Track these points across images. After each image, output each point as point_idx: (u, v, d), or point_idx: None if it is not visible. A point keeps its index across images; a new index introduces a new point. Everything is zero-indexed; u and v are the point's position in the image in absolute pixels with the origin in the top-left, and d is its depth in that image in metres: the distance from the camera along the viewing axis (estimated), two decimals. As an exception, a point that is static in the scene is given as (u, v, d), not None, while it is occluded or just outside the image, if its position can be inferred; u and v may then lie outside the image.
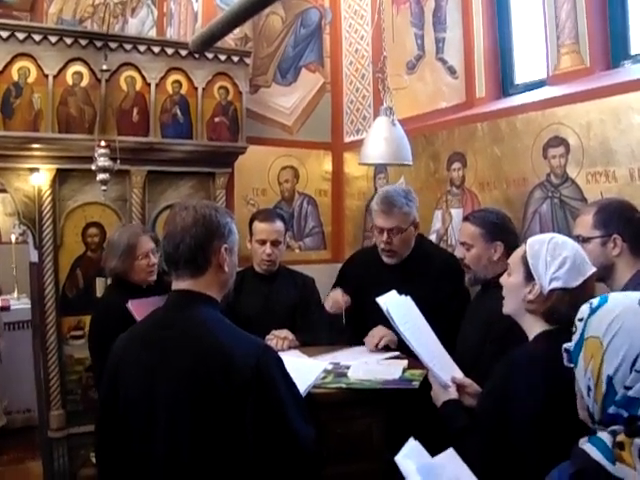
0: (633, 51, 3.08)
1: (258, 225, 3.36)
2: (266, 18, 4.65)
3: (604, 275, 2.23)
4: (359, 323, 3.09)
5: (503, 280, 2.00)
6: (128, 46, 3.85)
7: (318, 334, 3.25)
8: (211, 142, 4.19)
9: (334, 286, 3.45)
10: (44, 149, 3.73)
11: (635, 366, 1.14)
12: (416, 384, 2.42)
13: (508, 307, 1.97)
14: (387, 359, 2.81)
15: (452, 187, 3.77)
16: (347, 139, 4.90)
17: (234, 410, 1.67)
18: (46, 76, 3.65)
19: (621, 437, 1.12)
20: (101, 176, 3.45)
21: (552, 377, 1.65)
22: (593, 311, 1.26)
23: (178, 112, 4.08)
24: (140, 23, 5.66)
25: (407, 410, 2.44)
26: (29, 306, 4.75)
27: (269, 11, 4.56)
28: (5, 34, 3.51)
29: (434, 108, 4.03)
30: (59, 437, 3.84)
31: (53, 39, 3.62)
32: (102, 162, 3.44)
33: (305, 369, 2.56)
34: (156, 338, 1.80)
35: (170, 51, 3.98)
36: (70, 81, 3.73)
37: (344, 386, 2.48)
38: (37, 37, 3.58)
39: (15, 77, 3.59)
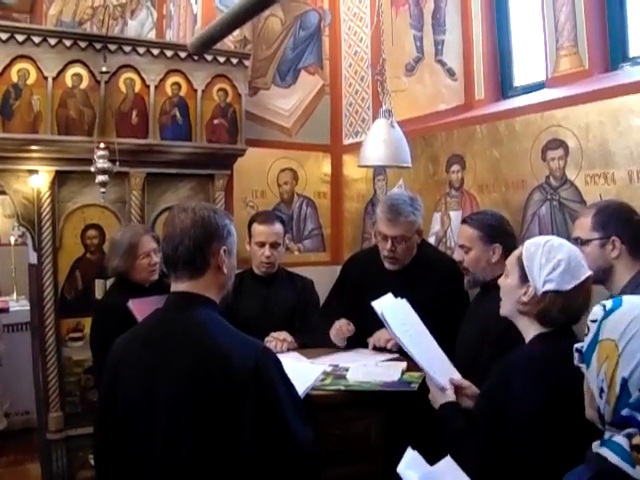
0: (632, 53, 3.09)
1: (257, 227, 3.36)
2: (265, 20, 4.66)
3: (603, 277, 2.24)
4: (358, 325, 3.09)
5: (500, 282, 2.00)
6: (127, 48, 3.85)
7: (317, 336, 3.24)
8: (210, 144, 4.19)
9: (334, 287, 3.46)
10: (43, 151, 3.73)
11: None
12: (415, 386, 2.42)
13: (505, 309, 1.98)
14: (386, 361, 2.81)
15: (451, 189, 3.77)
16: (346, 141, 4.90)
17: (233, 411, 1.68)
18: (45, 78, 3.65)
19: (637, 440, 1.13)
20: (100, 178, 3.45)
21: (549, 379, 1.65)
22: (608, 313, 1.26)
23: (177, 114, 4.08)
24: (139, 25, 5.66)
25: (406, 412, 2.43)
26: (28, 308, 4.75)
27: (268, 13, 4.57)
28: (4, 36, 3.51)
29: (433, 110, 4.03)
30: (58, 439, 3.83)
31: (52, 41, 3.62)
32: (101, 164, 3.44)
33: (304, 372, 2.57)
34: (156, 339, 1.80)
35: (169, 53, 3.98)
36: (69, 83, 3.74)
37: (343, 388, 2.48)
38: (36, 39, 3.58)
39: (14, 79, 3.60)
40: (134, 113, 3.94)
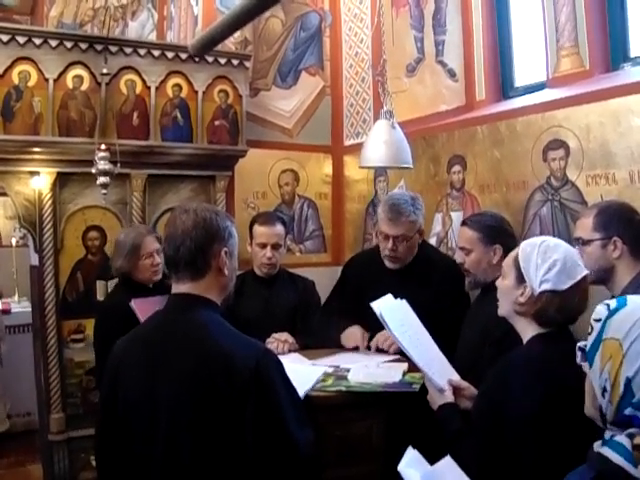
0: (633, 54, 3.08)
1: (258, 228, 3.36)
2: (266, 21, 4.66)
3: (604, 277, 2.24)
4: (359, 323, 3.10)
5: (498, 283, 2.01)
6: (128, 50, 3.86)
7: (318, 337, 3.24)
8: (211, 145, 4.19)
9: (335, 288, 3.46)
10: (44, 152, 3.73)
11: None
12: (416, 387, 2.42)
13: (502, 309, 1.98)
14: (387, 362, 2.81)
15: (452, 190, 3.77)
16: (347, 142, 4.90)
17: (234, 412, 1.68)
18: (46, 80, 3.66)
19: (639, 439, 1.13)
20: (101, 179, 3.45)
21: (547, 379, 1.66)
22: (612, 313, 1.26)
23: (178, 115, 4.08)
24: (140, 27, 5.67)
25: (407, 413, 2.43)
26: (30, 309, 4.75)
27: (269, 14, 4.57)
28: (6, 38, 3.52)
29: (434, 111, 4.03)
30: (59, 440, 3.84)
31: (53, 43, 3.63)
32: (102, 165, 3.44)
33: (304, 373, 2.57)
34: (157, 340, 1.81)
35: (170, 54, 3.98)
36: (70, 85, 3.74)
37: (344, 389, 2.48)
38: (37, 41, 3.59)
39: (16, 81, 3.60)
40: (135, 114, 3.95)
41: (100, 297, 3.93)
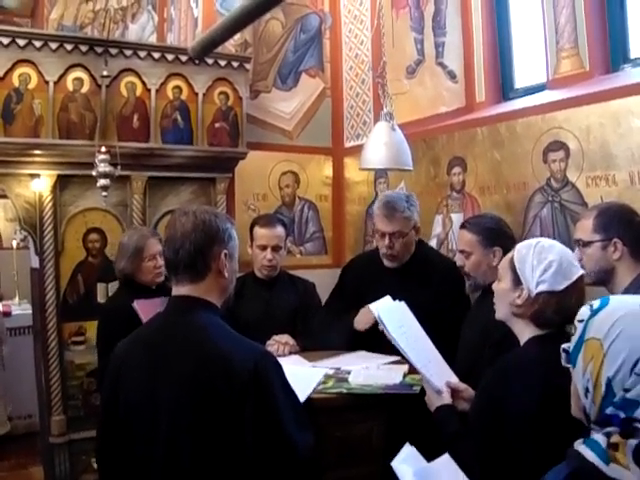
0: (632, 55, 3.09)
1: (259, 230, 3.36)
2: (266, 23, 4.66)
3: (605, 279, 2.24)
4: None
5: (494, 286, 2.00)
6: (128, 52, 3.86)
7: (318, 339, 3.24)
8: (211, 147, 4.20)
9: (334, 290, 3.46)
10: (45, 155, 3.74)
11: (635, 369, 1.14)
12: (417, 389, 2.42)
13: (499, 313, 1.97)
14: (388, 364, 2.81)
15: (452, 192, 3.77)
16: (347, 144, 4.91)
17: (233, 414, 1.68)
18: (47, 82, 3.67)
19: (615, 438, 1.13)
20: (102, 182, 3.46)
21: (546, 379, 1.66)
22: (594, 313, 1.26)
23: (178, 118, 4.09)
24: (140, 29, 5.67)
25: (407, 415, 2.43)
26: (30, 312, 4.76)
27: (269, 16, 4.57)
28: (6, 40, 3.53)
29: (434, 113, 4.03)
30: (60, 443, 3.84)
31: (54, 45, 3.63)
32: (103, 168, 3.45)
33: (304, 376, 2.57)
34: (157, 343, 1.81)
35: (170, 57, 3.99)
36: (71, 87, 3.75)
37: (345, 391, 2.48)
38: (38, 43, 3.60)
39: (16, 83, 3.61)
40: (135, 117, 3.95)
41: (101, 299, 3.93)
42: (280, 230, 3.38)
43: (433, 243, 3.86)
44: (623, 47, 3.11)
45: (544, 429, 1.62)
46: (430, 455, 1.78)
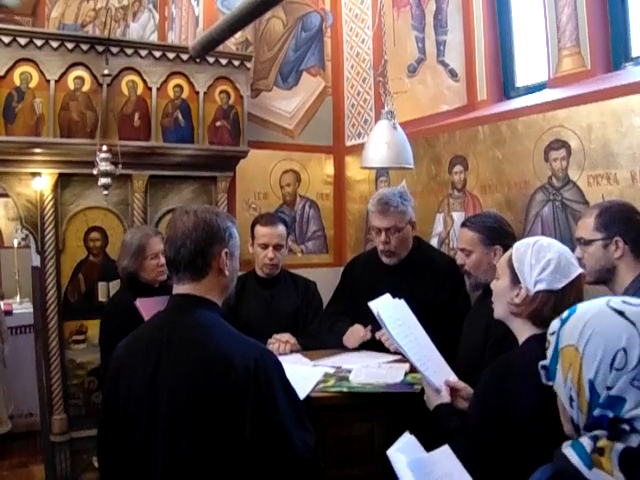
0: (634, 53, 3.07)
1: (260, 229, 3.36)
2: (267, 22, 4.66)
3: (606, 277, 2.24)
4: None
5: (492, 285, 2.00)
6: (129, 50, 3.86)
7: (319, 339, 3.24)
8: (212, 146, 4.19)
9: (336, 291, 3.48)
10: (46, 154, 3.74)
11: (614, 364, 1.13)
12: (418, 388, 2.42)
13: (498, 312, 1.97)
14: (389, 363, 2.81)
15: (454, 190, 3.77)
16: (348, 143, 4.90)
17: (233, 412, 1.68)
18: (48, 81, 3.67)
19: (602, 442, 1.12)
20: (103, 180, 3.45)
21: None
22: (564, 322, 1.26)
23: (179, 116, 4.09)
24: (141, 27, 5.67)
25: (408, 413, 2.43)
26: (31, 310, 4.76)
27: (270, 15, 4.57)
28: (7, 39, 3.53)
29: (435, 111, 4.03)
30: (61, 441, 3.84)
31: (55, 44, 3.63)
32: (104, 166, 3.44)
33: (305, 375, 2.57)
34: (158, 341, 1.81)
35: (171, 55, 3.99)
36: (72, 86, 3.75)
37: (346, 390, 2.48)
38: (39, 42, 3.60)
39: (17, 82, 3.61)
40: (136, 115, 3.95)
41: (102, 298, 3.93)
42: (281, 229, 3.38)
43: (434, 242, 3.86)
44: (625, 46, 3.10)
45: (546, 429, 1.62)
46: (430, 451, 1.78)
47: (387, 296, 2.49)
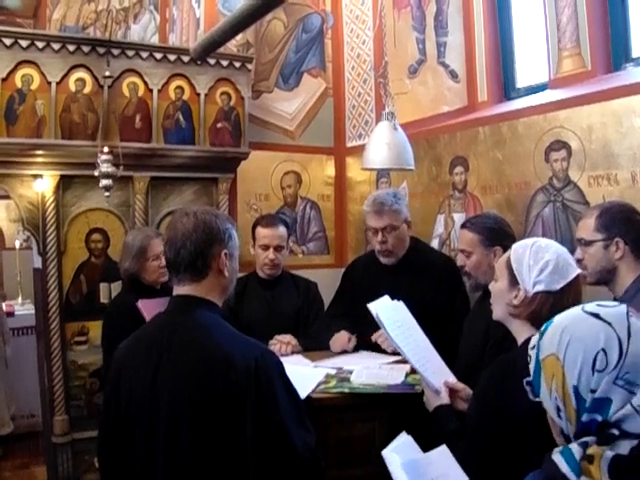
0: (634, 54, 3.08)
1: (261, 230, 3.37)
2: (268, 24, 4.67)
3: (607, 278, 2.24)
4: (360, 329, 3.11)
5: (491, 286, 2.00)
6: (130, 52, 3.87)
7: (320, 340, 3.25)
8: (214, 148, 4.20)
9: (336, 294, 3.49)
10: (47, 155, 3.74)
11: (595, 366, 1.13)
12: (419, 388, 2.42)
13: (497, 313, 1.97)
14: (390, 364, 2.81)
15: (454, 191, 3.77)
16: (349, 144, 4.91)
17: (234, 412, 1.69)
18: (49, 83, 3.67)
19: (592, 449, 1.10)
20: (104, 182, 3.46)
21: None
22: (542, 334, 1.25)
23: (181, 118, 4.09)
24: (142, 29, 5.68)
25: (409, 414, 2.43)
26: (33, 312, 4.76)
27: (271, 16, 4.57)
28: (9, 41, 3.53)
29: (436, 112, 4.03)
30: (63, 442, 3.85)
31: (56, 46, 3.64)
32: (105, 168, 3.45)
33: (306, 375, 2.57)
34: (158, 342, 1.81)
35: (172, 57, 3.99)
36: (73, 88, 3.75)
37: (347, 390, 2.48)
38: (40, 44, 3.60)
39: (18, 84, 3.62)
40: (137, 117, 3.96)
41: (104, 299, 3.94)
42: (282, 230, 3.39)
43: (435, 243, 3.86)
44: (625, 46, 3.10)
45: (545, 431, 1.62)
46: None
47: (386, 298, 2.50)
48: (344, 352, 3.08)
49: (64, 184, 3.89)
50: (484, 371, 1.88)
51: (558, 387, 1.17)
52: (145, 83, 3.96)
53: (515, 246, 1.92)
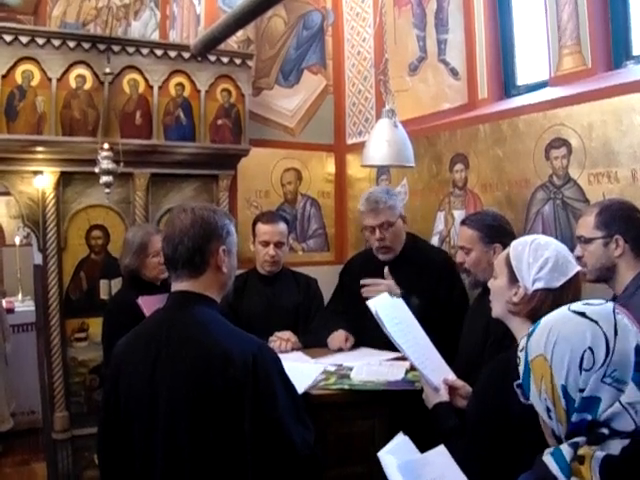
0: (635, 52, 3.07)
1: (261, 227, 3.38)
2: (268, 21, 4.66)
3: (606, 276, 2.24)
4: (358, 327, 3.11)
5: (490, 283, 1.99)
6: (131, 49, 3.86)
7: (320, 336, 3.25)
8: (214, 144, 4.20)
9: (334, 292, 3.50)
10: (48, 152, 3.74)
11: (583, 365, 1.13)
12: (419, 385, 2.42)
13: (496, 311, 1.96)
14: (390, 360, 2.82)
15: (454, 188, 3.77)
16: (349, 141, 4.91)
17: (232, 408, 1.69)
18: (49, 79, 3.67)
19: (583, 450, 1.10)
20: (104, 179, 3.46)
21: None
22: (530, 336, 1.25)
23: (181, 115, 4.09)
24: (143, 26, 5.67)
25: (409, 411, 2.44)
26: (33, 308, 4.77)
27: (271, 13, 4.57)
28: (9, 38, 3.53)
29: (436, 110, 4.03)
30: (63, 439, 3.85)
31: (56, 42, 3.63)
32: (105, 165, 3.45)
33: (304, 371, 2.58)
34: (157, 338, 1.82)
35: (173, 54, 3.99)
36: (73, 84, 3.75)
37: (347, 387, 2.49)
38: (40, 40, 3.60)
39: (19, 80, 3.61)
40: (138, 114, 3.95)
41: (104, 296, 3.94)
42: (282, 227, 3.39)
43: (435, 240, 3.86)
44: (625, 44, 3.10)
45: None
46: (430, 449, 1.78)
47: (385, 295, 2.50)
48: (340, 350, 3.08)
49: (64, 180, 3.89)
50: (484, 368, 1.88)
51: (547, 388, 1.17)
52: (145, 80, 3.95)
53: (514, 243, 1.91)
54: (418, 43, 4.16)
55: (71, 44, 3.67)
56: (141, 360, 1.81)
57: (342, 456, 2.42)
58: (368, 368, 2.69)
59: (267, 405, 1.70)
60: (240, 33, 4.29)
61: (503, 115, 3.45)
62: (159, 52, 3.95)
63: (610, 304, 1.22)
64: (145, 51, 3.91)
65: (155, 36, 5.48)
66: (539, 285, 1.79)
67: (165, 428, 1.72)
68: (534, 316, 1.81)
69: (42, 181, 3.81)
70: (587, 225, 2.27)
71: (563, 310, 1.24)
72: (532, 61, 3.63)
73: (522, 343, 1.28)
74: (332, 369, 2.72)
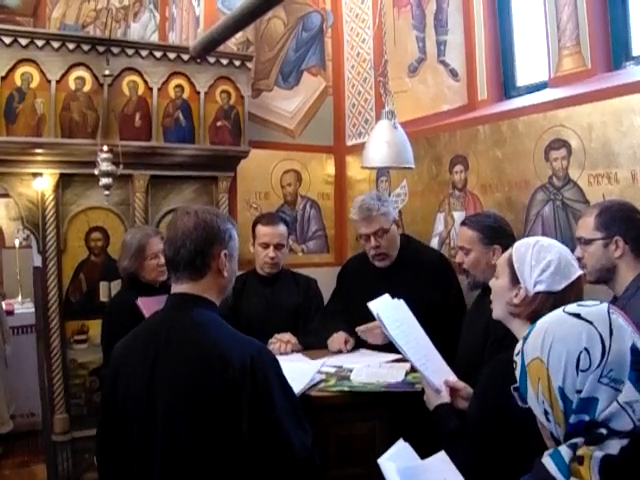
0: (635, 52, 3.07)
1: (261, 229, 3.37)
2: (268, 22, 4.66)
3: (606, 277, 2.24)
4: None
5: (491, 284, 1.99)
6: (130, 51, 3.86)
7: (319, 338, 3.25)
8: (213, 146, 4.19)
9: (333, 293, 3.50)
10: (47, 154, 3.74)
11: (579, 366, 1.13)
12: (419, 387, 2.42)
13: (497, 312, 1.96)
14: (390, 362, 2.81)
15: (454, 190, 3.77)
16: (349, 142, 4.90)
17: (231, 409, 1.69)
18: (49, 81, 3.67)
19: (582, 450, 1.10)
20: (104, 181, 3.46)
21: None
22: (525, 339, 1.25)
23: (180, 116, 4.09)
24: (142, 28, 5.68)
25: (409, 413, 2.44)
26: (33, 310, 4.76)
27: (271, 15, 4.57)
28: (8, 40, 3.53)
29: (436, 111, 4.03)
30: (63, 441, 3.85)
31: (56, 44, 3.63)
32: (105, 167, 3.44)
33: (301, 371, 2.57)
34: (156, 339, 1.82)
35: (172, 56, 3.99)
36: (73, 86, 3.75)
37: (347, 389, 2.48)
38: (40, 42, 3.60)
39: (18, 82, 3.61)
40: (137, 116, 3.95)
41: (103, 298, 3.94)
42: (282, 228, 3.39)
43: (435, 241, 3.86)
44: (625, 45, 3.09)
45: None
46: (431, 454, 1.78)
47: (386, 296, 2.50)
48: (340, 352, 3.08)
49: (64, 182, 3.89)
50: (484, 369, 1.88)
51: (544, 390, 1.17)
52: (145, 81, 3.95)
53: (517, 244, 1.91)
54: (417, 44, 4.16)
55: (70, 46, 3.67)
56: (140, 361, 1.81)
57: (342, 458, 2.42)
58: (368, 370, 2.68)
59: (264, 407, 1.70)
60: (239, 35, 4.29)
61: (503, 116, 3.45)
62: (158, 54, 3.95)
63: (605, 305, 1.22)
64: (144, 53, 3.91)
65: (154, 38, 5.49)
66: (540, 288, 1.79)
67: (164, 429, 1.72)
68: (535, 318, 1.80)
69: (41, 183, 3.81)
70: (587, 226, 2.27)
71: (558, 312, 1.24)
72: (532, 62, 3.63)
73: (518, 347, 1.28)
74: (332, 371, 2.71)
